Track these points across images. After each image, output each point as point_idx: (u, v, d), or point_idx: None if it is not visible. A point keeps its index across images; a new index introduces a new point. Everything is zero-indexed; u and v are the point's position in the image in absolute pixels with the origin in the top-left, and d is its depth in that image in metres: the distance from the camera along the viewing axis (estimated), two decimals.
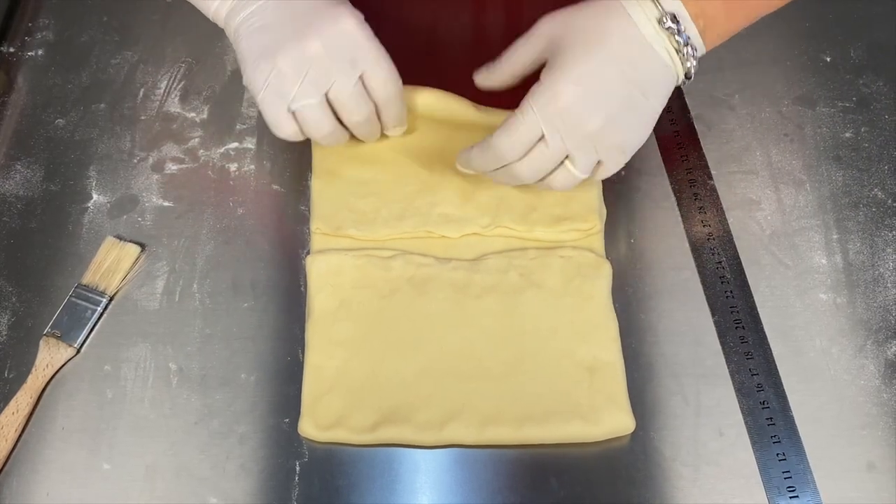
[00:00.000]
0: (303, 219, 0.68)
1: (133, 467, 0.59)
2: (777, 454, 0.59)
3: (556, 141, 0.58)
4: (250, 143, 0.72)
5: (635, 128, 0.59)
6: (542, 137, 0.58)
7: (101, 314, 0.64)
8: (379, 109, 0.65)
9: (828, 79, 0.76)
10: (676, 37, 0.57)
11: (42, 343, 0.63)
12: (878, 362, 0.62)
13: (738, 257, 0.66)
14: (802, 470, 0.58)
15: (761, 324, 0.63)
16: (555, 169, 0.60)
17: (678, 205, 0.69)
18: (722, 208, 0.68)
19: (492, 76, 0.65)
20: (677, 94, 0.74)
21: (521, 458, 0.59)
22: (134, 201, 0.69)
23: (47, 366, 0.62)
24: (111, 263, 0.66)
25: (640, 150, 0.70)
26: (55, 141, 0.73)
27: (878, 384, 0.61)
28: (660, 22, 0.57)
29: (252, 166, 0.71)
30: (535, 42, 0.61)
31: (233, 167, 0.71)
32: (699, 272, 0.66)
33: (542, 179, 0.61)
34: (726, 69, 0.76)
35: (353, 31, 0.60)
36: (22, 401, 0.60)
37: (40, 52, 0.78)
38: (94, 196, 0.70)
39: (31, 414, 0.60)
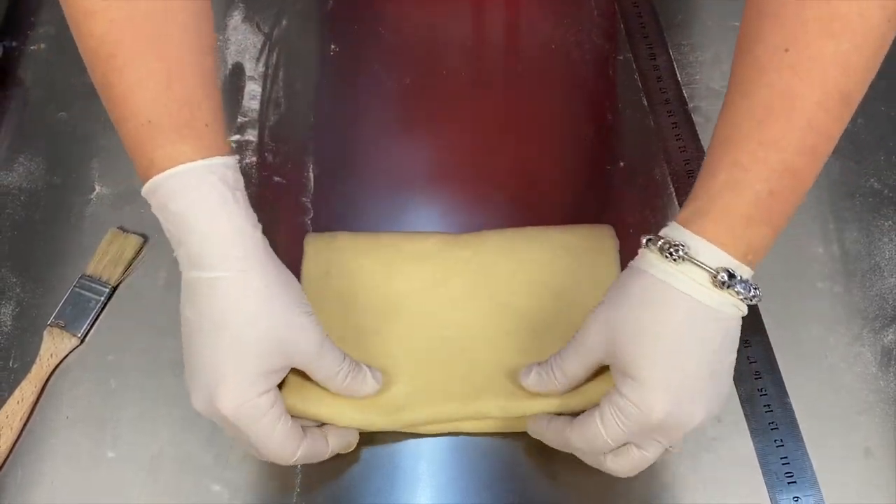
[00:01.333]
0: (304, 210, 0.69)
1: (137, 456, 0.59)
2: (775, 441, 0.59)
3: (650, 447, 0.51)
4: (252, 136, 0.73)
5: (727, 384, 0.51)
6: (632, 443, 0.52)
7: (105, 304, 0.65)
8: None
9: None
10: (737, 286, 0.49)
11: (46, 333, 0.63)
12: (875, 350, 0.63)
13: None
14: (800, 456, 0.59)
15: (759, 313, 0.64)
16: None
17: (676, 195, 0.69)
18: None
19: (544, 384, 0.56)
20: (675, 85, 0.74)
21: (521, 446, 0.59)
22: (136, 193, 0.68)
23: (51, 355, 0.62)
24: (114, 254, 0.66)
25: (639, 141, 0.72)
26: (58, 134, 0.73)
27: (875, 371, 0.62)
28: (714, 283, 0.48)
29: (253, 158, 0.72)
30: (591, 352, 0.53)
31: None
32: None
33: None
34: (724, 62, 0.77)
35: (224, 404, 0.50)
36: (26, 390, 0.61)
37: (43, 46, 0.79)
38: (97, 188, 0.70)
39: (36, 403, 0.61)
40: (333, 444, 0.56)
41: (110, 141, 0.73)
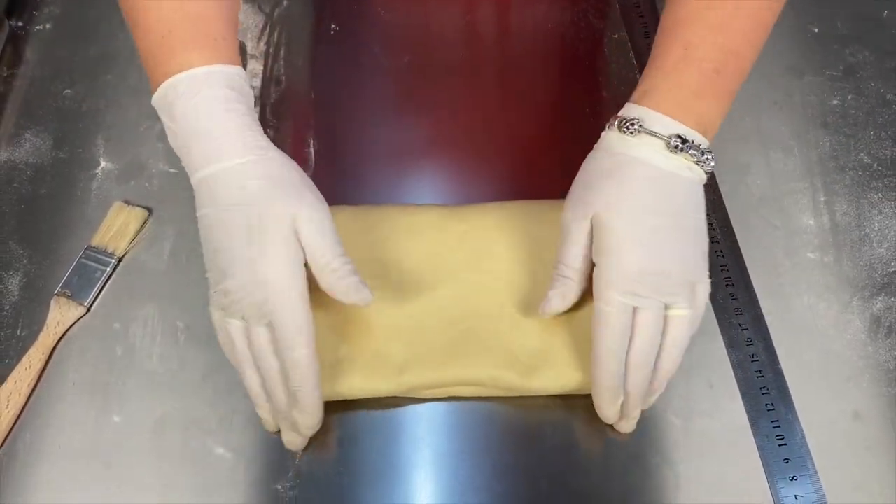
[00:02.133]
0: None
1: (143, 420, 0.60)
2: (766, 405, 0.61)
3: (652, 302, 0.54)
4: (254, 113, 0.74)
5: (699, 243, 0.56)
6: (635, 310, 0.54)
7: (111, 275, 0.66)
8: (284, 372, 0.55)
9: (815, 49, 0.78)
10: (690, 150, 0.55)
11: (53, 302, 0.64)
12: (864, 317, 0.64)
13: (728, 219, 0.68)
14: (791, 419, 0.60)
15: (751, 282, 0.65)
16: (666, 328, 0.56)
17: None
18: (714, 174, 0.70)
19: (564, 294, 0.58)
20: None
21: (517, 408, 0.61)
22: (141, 168, 0.71)
23: (58, 324, 0.64)
24: (120, 226, 0.67)
25: None
26: (63, 111, 0.75)
27: (864, 338, 0.63)
28: (668, 148, 0.55)
29: None
30: (578, 242, 0.57)
31: None
32: None
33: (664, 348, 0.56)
34: None
35: (270, 279, 0.53)
36: (34, 357, 0.62)
37: (48, 25, 0.80)
38: (102, 163, 0.72)
39: (43, 370, 0.62)
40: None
41: (115, 117, 0.74)
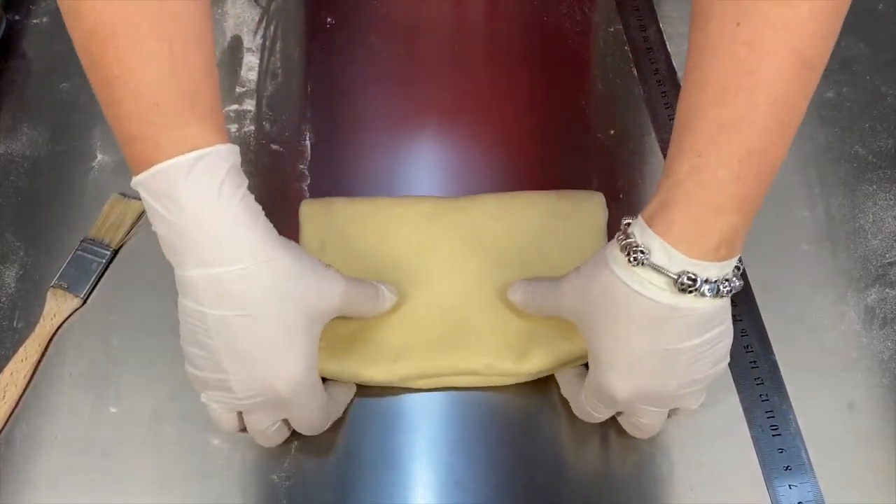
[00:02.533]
0: (301, 177, 0.70)
1: (139, 411, 0.61)
2: (760, 395, 0.61)
3: (647, 415, 0.54)
4: (250, 105, 0.74)
5: (687, 368, 0.50)
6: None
7: (107, 266, 0.66)
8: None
9: None
10: (702, 289, 0.46)
11: (49, 294, 0.65)
12: (859, 309, 0.64)
13: None
14: (785, 410, 0.60)
15: (746, 274, 0.65)
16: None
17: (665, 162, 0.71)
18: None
19: (527, 306, 0.60)
20: (665, 57, 0.76)
21: (513, 399, 0.61)
22: None
23: (54, 315, 0.64)
24: (116, 218, 0.68)
25: (629, 111, 0.74)
26: (60, 104, 0.75)
27: (858, 329, 0.63)
28: (676, 286, 0.46)
29: (252, 127, 0.73)
30: (562, 311, 0.56)
31: (233, 128, 0.73)
32: None
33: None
34: None
35: (283, 385, 0.51)
36: (30, 348, 0.62)
37: (45, 19, 0.80)
38: (99, 156, 0.72)
39: (40, 361, 0.62)
40: (340, 402, 0.60)
41: None
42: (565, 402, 0.60)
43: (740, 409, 0.60)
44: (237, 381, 0.50)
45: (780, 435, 0.59)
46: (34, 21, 0.80)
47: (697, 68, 0.48)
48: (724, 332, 0.50)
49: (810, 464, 0.58)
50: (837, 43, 0.75)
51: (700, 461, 0.58)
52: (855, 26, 0.79)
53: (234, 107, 0.74)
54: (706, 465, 0.58)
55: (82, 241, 0.67)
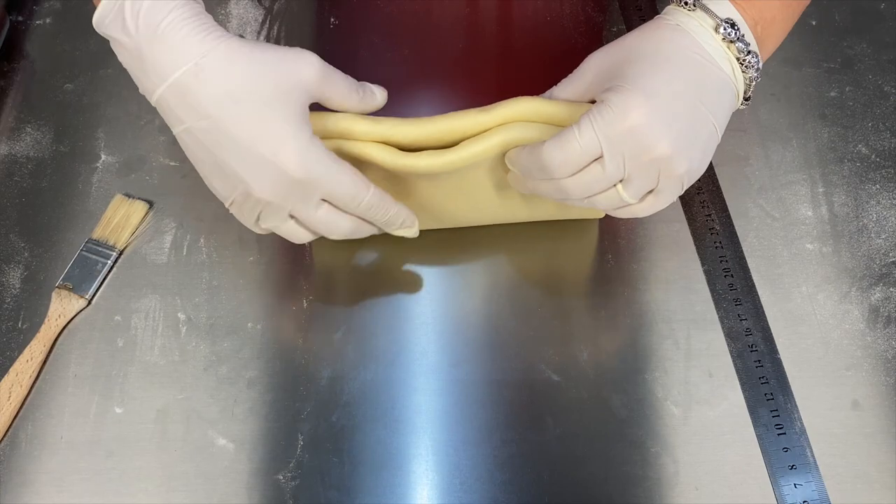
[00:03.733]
0: None
1: (144, 411, 0.61)
2: (765, 394, 0.61)
3: (616, 164, 0.51)
4: None
5: (699, 155, 0.52)
6: (599, 157, 0.52)
7: (112, 267, 0.66)
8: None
9: (813, 41, 0.78)
10: (738, 43, 0.52)
11: (54, 295, 0.65)
12: (862, 307, 0.64)
13: (727, 210, 0.68)
14: (789, 409, 0.60)
15: (749, 272, 0.66)
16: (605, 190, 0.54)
17: None
18: (711, 164, 0.70)
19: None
20: None
21: (518, 398, 0.61)
22: (141, 161, 0.71)
23: (59, 316, 0.64)
24: (120, 219, 0.68)
25: None
26: (64, 105, 0.75)
27: (863, 328, 0.63)
28: (717, 30, 0.52)
29: None
30: (583, 77, 0.56)
31: None
32: (689, 224, 0.68)
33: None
34: None
35: (294, 166, 0.51)
36: (36, 349, 0.62)
37: (48, 20, 0.80)
38: (103, 156, 0.72)
39: (45, 362, 0.62)
40: (396, 208, 0.57)
41: (115, 111, 0.74)
42: (570, 401, 0.60)
43: (745, 408, 0.60)
44: (251, 179, 0.51)
45: (784, 434, 0.59)
46: (37, 22, 0.80)
47: None
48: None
49: (815, 462, 0.58)
50: (839, 42, 0.77)
51: (705, 460, 0.58)
52: (857, 26, 0.79)
53: None
54: (711, 465, 0.58)
55: (87, 242, 0.67)
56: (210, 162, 0.52)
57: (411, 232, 0.60)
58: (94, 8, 0.51)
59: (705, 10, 0.53)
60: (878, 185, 0.70)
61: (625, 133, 0.50)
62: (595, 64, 0.56)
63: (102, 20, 0.51)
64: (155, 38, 0.49)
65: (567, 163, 0.52)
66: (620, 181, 0.53)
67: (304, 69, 0.52)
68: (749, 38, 0.53)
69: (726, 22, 0.52)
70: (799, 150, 0.72)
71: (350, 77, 0.56)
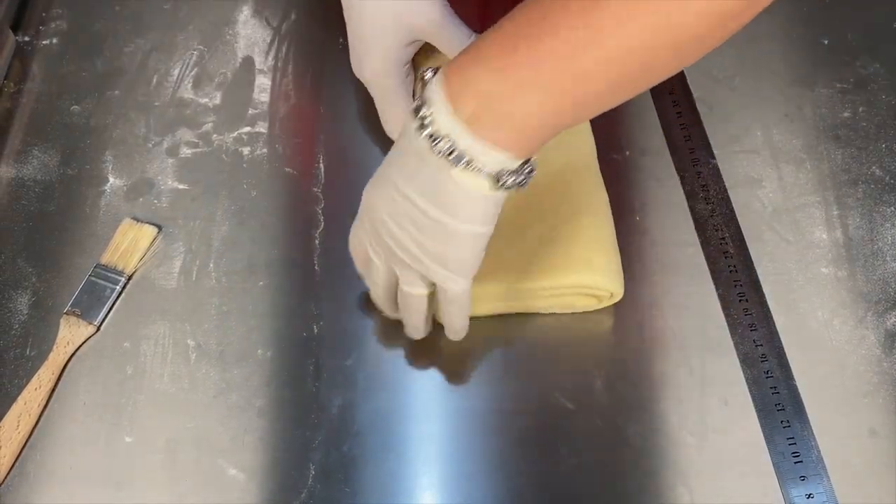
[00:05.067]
0: (315, 200, 0.70)
1: (154, 440, 0.60)
2: (781, 422, 0.60)
3: (379, 256, 0.54)
4: (262, 128, 0.74)
5: (444, 245, 0.50)
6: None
7: (120, 293, 0.66)
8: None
9: (826, 61, 0.78)
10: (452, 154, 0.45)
11: (63, 321, 0.64)
12: (879, 333, 0.64)
13: (741, 233, 0.68)
14: (806, 436, 0.59)
15: (764, 297, 0.65)
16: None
17: (682, 183, 0.70)
18: (724, 186, 0.70)
19: None
20: (679, 75, 0.76)
21: (531, 426, 0.60)
22: (150, 184, 0.71)
23: (68, 343, 0.63)
24: (129, 244, 0.67)
25: (644, 130, 0.73)
26: (71, 127, 0.74)
27: (879, 353, 0.63)
28: (432, 142, 0.46)
29: (265, 150, 0.73)
30: None
31: (245, 151, 0.73)
32: (703, 248, 0.67)
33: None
34: (726, 52, 0.78)
35: (369, 74, 0.68)
36: (44, 377, 0.62)
37: (54, 41, 0.80)
38: (111, 180, 0.71)
39: (54, 390, 0.62)
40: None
41: (123, 133, 0.74)
42: (583, 427, 0.60)
43: (761, 436, 0.60)
44: (352, 58, 0.69)
45: (801, 462, 0.59)
46: (44, 42, 0.80)
47: None
48: None
49: (832, 490, 0.57)
50: (853, 61, 0.77)
51: (721, 490, 0.58)
52: (870, 45, 0.78)
53: (247, 129, 0.74)
54: (727, 495, 0.58)
55: (95, 267, 0.66)
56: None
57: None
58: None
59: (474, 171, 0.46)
60: (892, 208, 0.69)
61: (374, 229, 0.54)
62: None
63: None
64: None
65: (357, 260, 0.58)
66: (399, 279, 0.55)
67: (427, 14, 0.64)
68: (463, 142, 0.45)
69: (440, 138, 0.45)
70: (813, 171, 0.71)
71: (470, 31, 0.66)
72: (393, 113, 0.68)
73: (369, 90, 0.69)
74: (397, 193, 0.49)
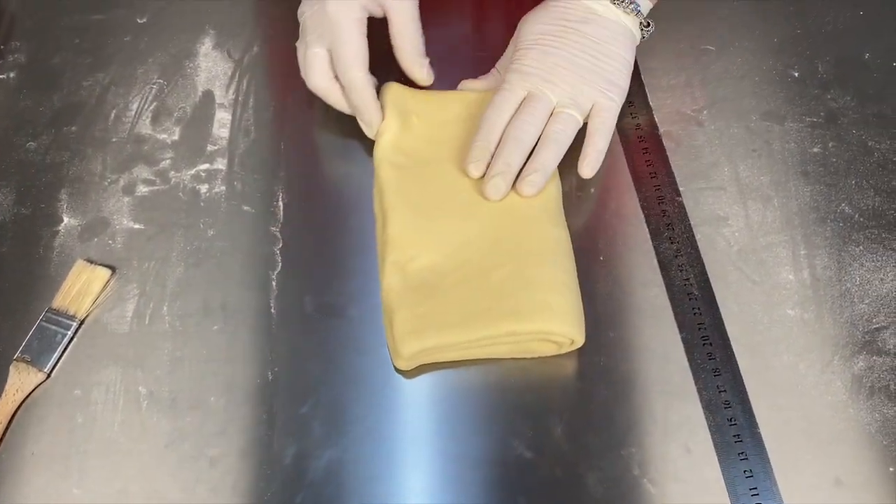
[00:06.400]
0: (273, 240, 0.68)
1: (104, 492, 0.58)
2: (744, 471, 0.59)
3: (544, 94, 0.68)
4: (221, 164, 0.73)
5: (610, 70, 0.69)
6: (527, 96, 0.69)
7: (72, 338, 0.64)
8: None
9: (796, 94, 0.76)
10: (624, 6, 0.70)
11: (12, 368, 0.63)
12: (845, 378, 0.62)
13: (705, 274, 0.66)
14: (769, 486, 0.58)
15: (729, 340, 0.64)
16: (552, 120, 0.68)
17: (646, 222, 0.69)
18: (690, 225, 0.69)
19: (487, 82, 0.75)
20: (645, 109, 0.74)
21: (489, 477, 0.59)
22: (105, 224, 0.70)
23: (17, 391, 0.62)
24: (81, 287, 0.66)
25: (609, 166, 0.72)
26: (26, 164, 0.73)
27: (845, 399, 0.61)
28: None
29: (223, 188, 0.71)
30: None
31: (203, 188, 0.71)
32: (667, 289, 0.66)
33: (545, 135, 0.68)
34: (695, 86, 0.77)
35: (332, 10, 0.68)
36: None
37: (12, 74, 0.79)
38: (65, 219, 0.70)
39: (1, 440, 0.60)
40: (370, 107, 0.71)
41: (79, 170, 0.72)
42: (546, 473, 0.58)
43: (722, 484, 0.58)
44: (305, 9, 0.71)
45: None
46: (1, 76, 0.78)
47: None
48: None
49: None
50: (823, 94, 0.75)
51: None
52: (841, 77, 0.77)
53: (205, 166, 0.72)
54: None
55: (46, 312, 0.65)
56: None
57: (368, 131, 0.71)
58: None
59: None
60: (861, 247, 0.68)
61: (528, 70, 0.69)
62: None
63: None
64: None
65: (502, 113, 0.69)
66: (556, 108, 0.69)
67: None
68: None
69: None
70: (780, 209, 0.70)
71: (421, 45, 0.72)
72: (374, 108, 0.70)
73: (347, 94, 0.70)
74: None
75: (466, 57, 0.80)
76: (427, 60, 0.72)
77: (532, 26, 0.71)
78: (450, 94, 0.74)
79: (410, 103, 0.72)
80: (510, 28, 0.74)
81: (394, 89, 0.72)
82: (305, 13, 0.70)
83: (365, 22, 0.69)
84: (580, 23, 0.69)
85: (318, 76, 0.70)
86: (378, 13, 0.70)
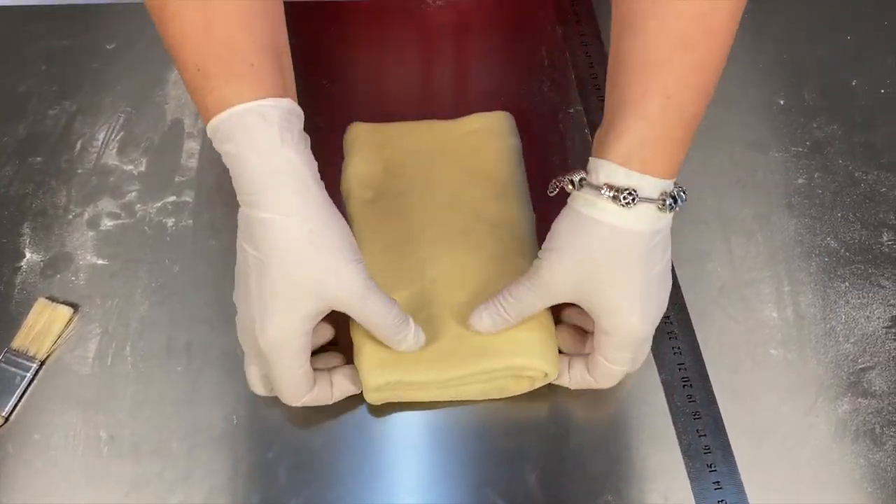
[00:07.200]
0: None
1: None
2: None
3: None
4: (188, 196, 0.71)
5: (667, 287, 0.58)
6: None
7: (32, 380, 0.62)
8: None
9: (781, 122, 0.75)
10: (677, 206, 0.54)
11: None
12: (829, 421, 0.60)
13: (686, 313, 0.65)
14: None
15: (709, 382, 0.62)
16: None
17: None
18: (672, 263, 0.67)
19: (498, 325, 0.59)
20: None
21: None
22: (68, 259, 0.67)
23: None
24: (42, 326, 0.64)
25: None
26: None
27: (829, 443, 0.60)
28: (658, 208, 0.53)
29: (190, 221, 0.69)
30: (554, 297, 0.57)
31: (170, 222, 0.69)
32: None
33: None
34: None
35: (265, 346, 0.55)
36: None
37: None
38: (28, 255, 0.68)
39: None
40: (337, 392, 0.60)
41: (43, 203, 0.70)
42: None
43: None
44: (239, 317, 0.57)
45: None
46: None
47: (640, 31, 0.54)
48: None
49: None
50: (809, 123, 0.73)
51: None
52: (828, 105, 0.75)
53: (172, 198, 0.70)
54: None
55: (6, 352, 0.63)
56: (237, 275, 0.57)
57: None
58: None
59: (645, 200, 0.53)
60: (846, 283, 0.66)
61: (637, 345, 0.58)
62: (564, 284, 0.56)
63: (211, 137, 0.54)
64: (240, 173, 0.53)
65: (613, 378, 0.60)
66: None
67: (344, 292, 0.54)
68: (638, 182, 0.53)
69: (667, 197, 0.53)
70: (764, 244, 0.68)
71: (395, 310, 0.57)
72: (295, 375, 0.56)
73: (265, 356, 0.55)
74: None
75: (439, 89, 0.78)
76: (410, 328, 0.58)
77: (607, 274, 0.56)
78: (415, 124, 0.72)
79: (376, 137, 0.70)
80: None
81: (356, 129, 0.71)
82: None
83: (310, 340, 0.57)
84: (649, 256, 0.56)
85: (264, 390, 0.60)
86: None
